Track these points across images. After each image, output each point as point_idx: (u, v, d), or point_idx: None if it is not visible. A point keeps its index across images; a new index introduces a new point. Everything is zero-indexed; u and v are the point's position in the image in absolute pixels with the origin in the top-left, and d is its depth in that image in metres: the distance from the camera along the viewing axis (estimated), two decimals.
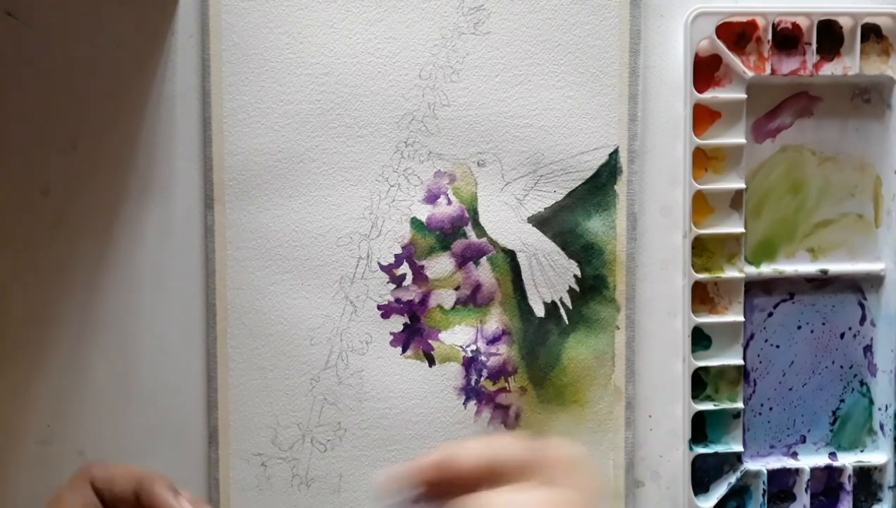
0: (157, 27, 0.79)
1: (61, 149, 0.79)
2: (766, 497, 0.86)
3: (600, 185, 0.83)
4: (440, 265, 0.82)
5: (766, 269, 0.87)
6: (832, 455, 0.88)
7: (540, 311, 0.83)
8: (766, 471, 0.86)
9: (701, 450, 0.85)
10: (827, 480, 0.88)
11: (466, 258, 0.82)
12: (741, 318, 0.85)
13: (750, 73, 0.84)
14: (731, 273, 0.85)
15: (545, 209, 0.83)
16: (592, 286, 0.83)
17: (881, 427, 0.88)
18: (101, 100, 0.79)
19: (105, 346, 0.81)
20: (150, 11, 0.79)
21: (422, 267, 0.82)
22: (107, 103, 0.80)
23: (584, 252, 0.83)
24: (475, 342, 0.83)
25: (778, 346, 0.88)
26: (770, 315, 0.88)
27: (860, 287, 0.88)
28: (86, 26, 0.79)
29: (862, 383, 0.88)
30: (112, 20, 0.79)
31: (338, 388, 0.81)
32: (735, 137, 0.85)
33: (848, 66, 0.85)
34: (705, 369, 0.85)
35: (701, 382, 0.86)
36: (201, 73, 0.80)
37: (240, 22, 0.79)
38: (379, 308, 0.82)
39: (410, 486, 0.55)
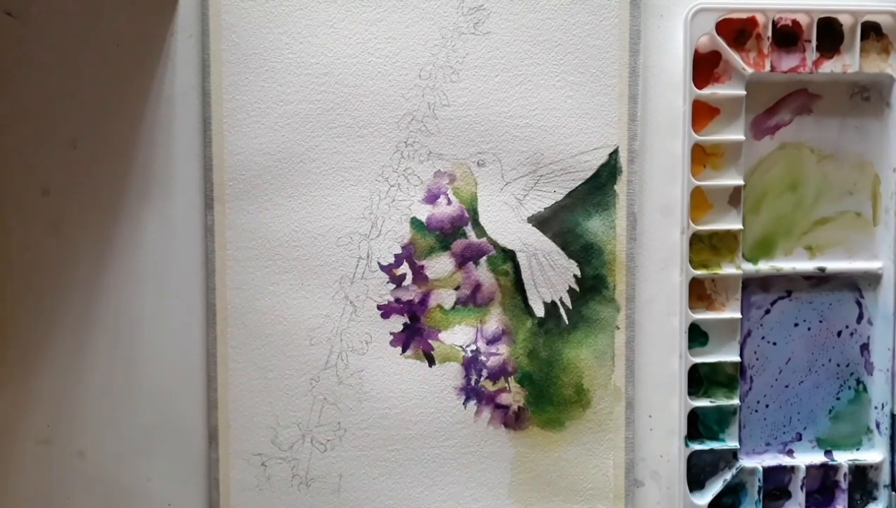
0: (157, 27, 0.79)
1: (61, 149, 0.79)
2: (761, 495, 0.86)
3: (600, 185, 0.83)
4: (440, 265, 0.82)
5: (764, 266, 0.87)
6: (828, 452, 0.89)
7: (540, 311, 0.83)
8: (761, 468, 0.86)
9: (697, 447, 0.86)
10: (822, 478, 0.89)
11: (466, 258, 0.82)
12: (738, 315, 0.86)
13: (749, 70, 0.84)
14: (728, 270, 0.85)
15: (545, 209, 0.83)
16: (592, 286, 0.83)
17: (877, 425, 0.89)
18: (101, 100, 0.79)
19: (105, 346, 0.81)
20: (150, 11, 0.79)
21: (422, 267, 0.82)
22: (107, 103, 0.79)
23: (584, 252, 0.83)
24: (475, 342, 0.83)
25: (775, 343, 0.88)
26: (767, 312, 0.88)
27: (857, 285, 0.88)
28: (86, 26, 0.79)
29: (858, 381, 0.89)
30: (112, 20, 0.79)
31: (338, 388, 0.82)
32: (734, 134, 0.85)
33: (847, 63, 0.85)
34: (703, 366, 0.86)
35: (698, 379, 0.86)
36: (201, 73, 0.79)
37: (240, 22, 0.79)
38: (379, 308, 0.82)
39: None
